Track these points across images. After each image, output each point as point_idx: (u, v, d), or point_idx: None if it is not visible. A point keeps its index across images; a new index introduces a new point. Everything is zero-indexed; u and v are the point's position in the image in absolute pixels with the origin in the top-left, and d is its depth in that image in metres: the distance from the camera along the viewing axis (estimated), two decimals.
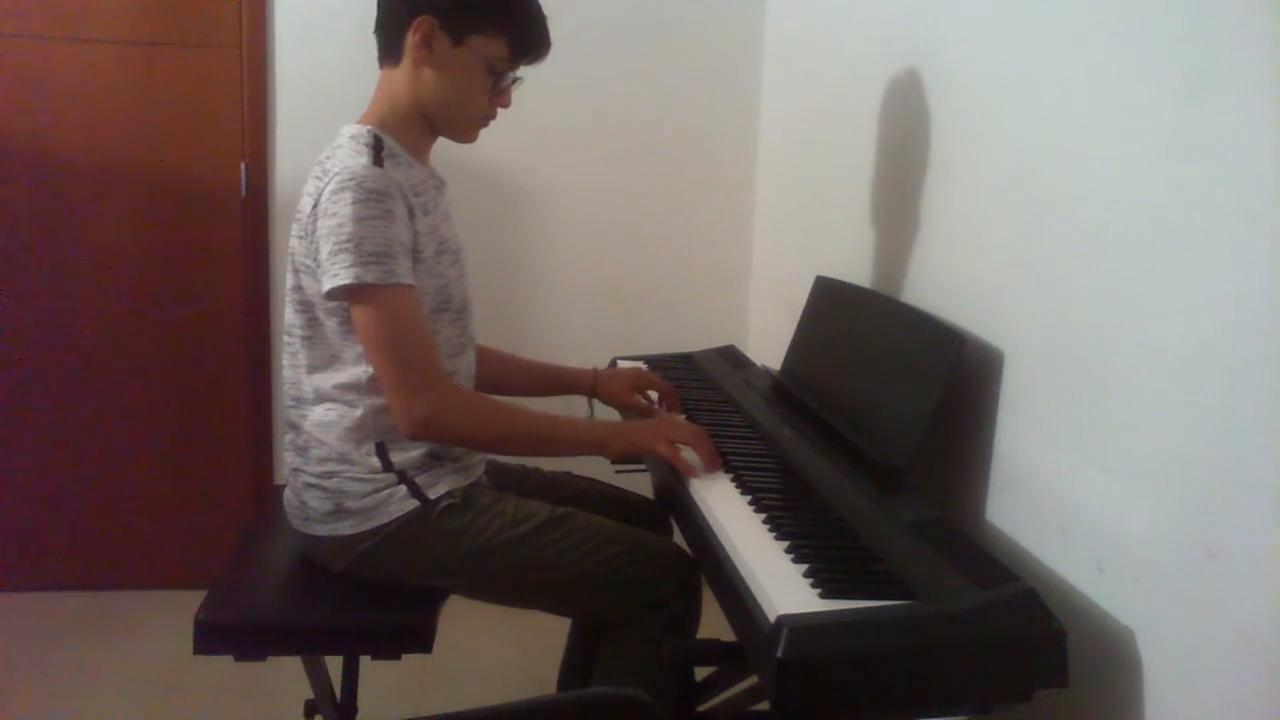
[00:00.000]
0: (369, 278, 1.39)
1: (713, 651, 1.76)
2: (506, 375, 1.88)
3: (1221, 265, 1.02)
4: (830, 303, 1.91)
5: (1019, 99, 1.43)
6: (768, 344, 2.46)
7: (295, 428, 1.56)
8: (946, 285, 1.64)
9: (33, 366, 2.66)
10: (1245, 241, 0.99)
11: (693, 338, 2.43)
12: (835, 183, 2.16)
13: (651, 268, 2.82)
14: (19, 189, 2.58)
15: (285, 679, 1.88)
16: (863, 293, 1.83)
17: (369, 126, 1.52)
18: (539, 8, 1.55)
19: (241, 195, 2.65)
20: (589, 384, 1.89)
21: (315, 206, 1.45)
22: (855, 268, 1.96)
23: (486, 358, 1.86)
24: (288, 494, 1.59)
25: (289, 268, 1.53)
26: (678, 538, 1.58)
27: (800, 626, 1.01)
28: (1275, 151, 0.96)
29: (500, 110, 1.59)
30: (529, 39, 1.54)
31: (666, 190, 2.80)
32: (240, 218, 2.66)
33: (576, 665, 1.82)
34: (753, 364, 2.19)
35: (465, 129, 1.59)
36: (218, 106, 2.61)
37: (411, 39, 1.49)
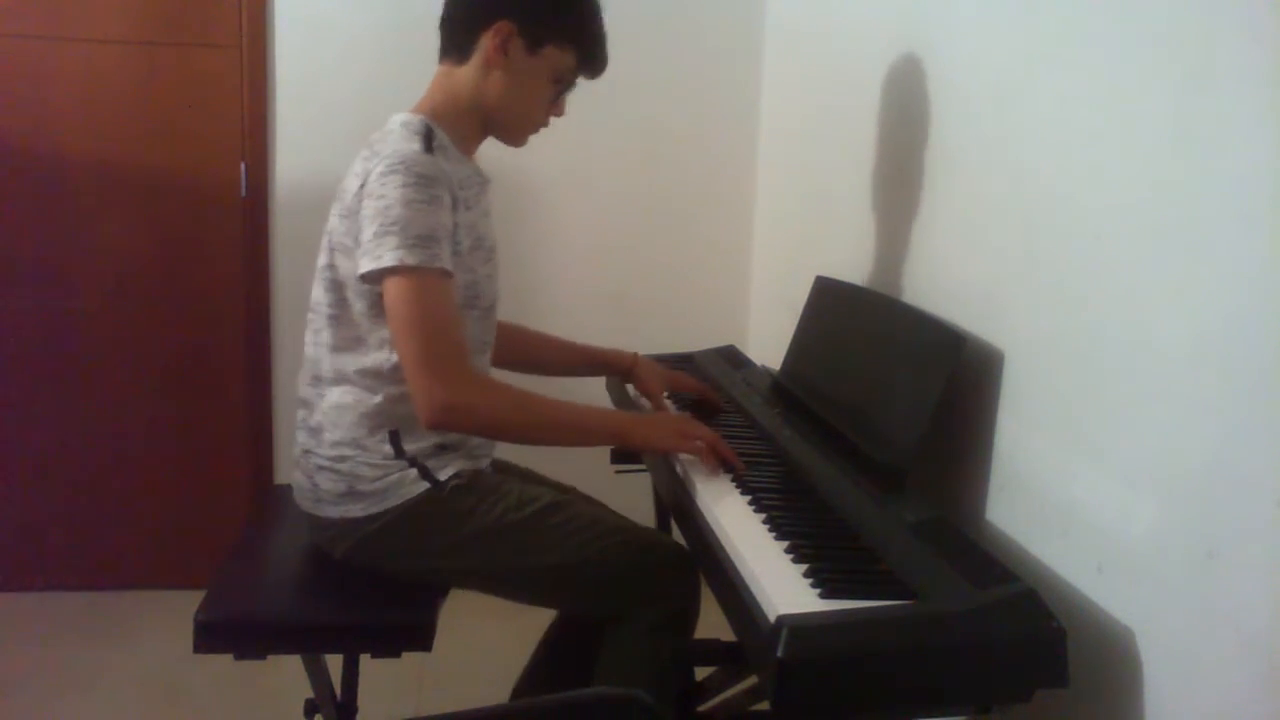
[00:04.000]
0: (411, 260, 1.39)
1: (713, 651, 1.76)
2: (541, 351, 1.89)
3: (1221, 264, 1.02)
4: (830, 303, 1.91)
5: (1019, 98, 1.43)
6: (768, 344, 2.45)
7: (309, 406, 1.56)
8: (947, 285, 1.64)
9: (33, 366, 2.66)
10: (1245, 240, 0.99)
11: (693, 338, 2.43)
12: (835, 182, 2.16)
13: (651, 268, 2.82)
14: (19, 189, 2.59)
15: (285, 678, 1.88)
16: (863, 292, 1.83)
17: (421, 116, 1.53)
18: (604, 26, 1.59)
19: (241, 195, 2.65)
20: (627, 367, 1.91)
21: (362, 187, 1.45)
22: (855, 267, 1.96)
23: (520, 334, 1.86)
24: (297, 475, 1.59)
25: (324, 245, 1.54)
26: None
27: (800, 626, 1.01)
28: (1275, 151, 0.96)
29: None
30: (596, 54, 1.59)
31: (667, 190, 2.80)
32: (240, 217, 2.66)
33: (536, 679, 1.80)
34: (753, 364, 2.19)
35: (520, 134, 1.63)
36: (218, 106, 2.61)
37: (490, 41, 1.51)
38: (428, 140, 1.49)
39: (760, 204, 2.81)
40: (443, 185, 1.44)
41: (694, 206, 2.82)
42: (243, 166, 2.63)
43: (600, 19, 1.59)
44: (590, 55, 1.58)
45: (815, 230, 2.35)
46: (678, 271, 2.84)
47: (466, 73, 1.55)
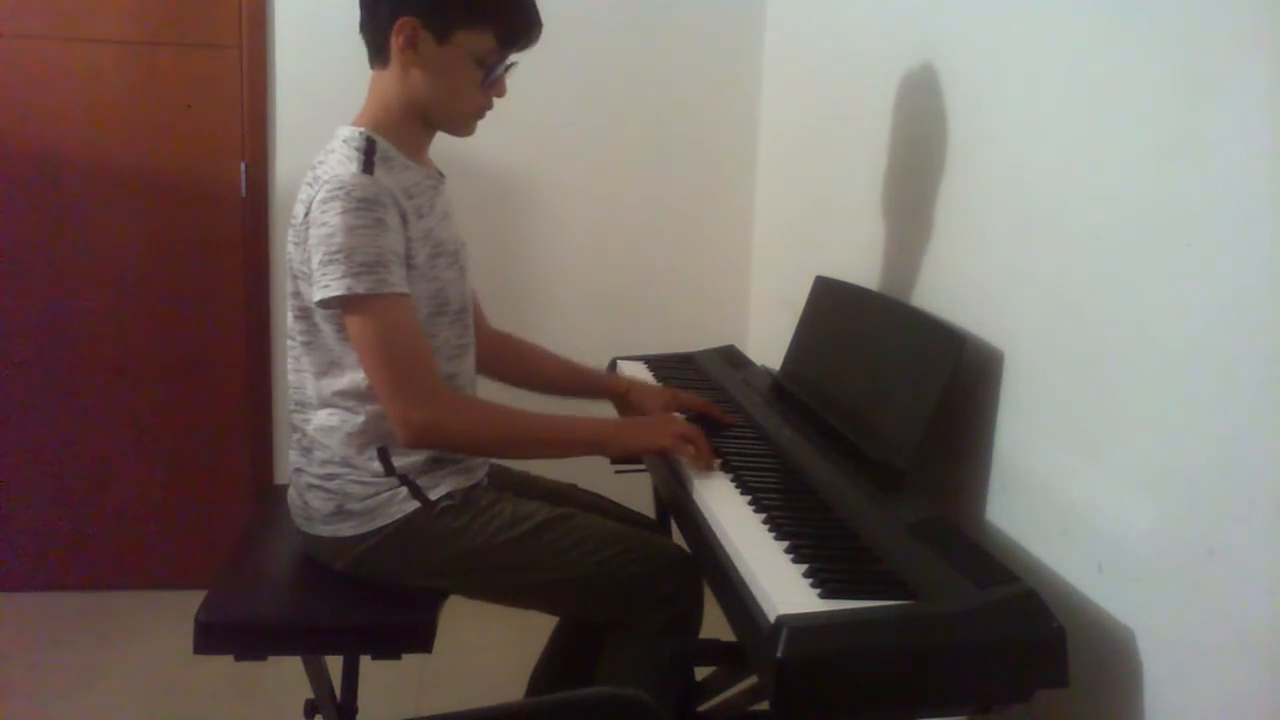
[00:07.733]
0: (360, 288, 1.39)
1: (713, 651, 1.76)
2: (536, 367, 1.86)
3: (1221, 265, 1.02)
4: (830, 303, 1.91)
5: (1020, 99, 1.43)
6: (768, 344, 2.45)
7: (299, 429, 1.56)
8: (947, 285, 1.64)
9: (33, 366, 2.66)
10: (1244, 241, 0.99)
11: (693, 338, 2.43)
12: (835, 182, 2.16)
13: (651, 268, 2.82)
14: (19, 189, 2.58)
15: (285, 679, 1.88)
16: (863, 293, 1.83)
17: (362, 129, 1.50)
18: None
19: (241, 195, 2.65)
20: (621, 393, 1.86)
21: (307, 214, 1.44)
22: (855, 267, 1.96)
23: (517, 348, 1.84)
24: (291, 493, 1.60)
25: (288, 273, 1.53)
26: (677, 541, 1.58)
27: (800, 626, 1.01)
28: (1275, 152, 0.96)
29: (498, 101, 1.57)
30: (516, 27, 1.50)
31: (666, 190, 2.80)
32: (240, 217, 2.66)
33: (552, 670, 1.79)
34: (753, 364, 2.19)
35: (461, 123, 1.57)
36: (218, 106, 2.61)
37: (395, 41, 1.47)
38: (368, 155, 1.46)
39: (760, 204, 2.81)
40: (385, 205, 1.41)
41: (694, 207, 2.82)
42: (242, 166, 2.63)
43: None
44: (511, 30, 1.49)
45: (815, 230, 2.35)
46: (678, 272, 2.84)
47: (390, 76, 1.51)
